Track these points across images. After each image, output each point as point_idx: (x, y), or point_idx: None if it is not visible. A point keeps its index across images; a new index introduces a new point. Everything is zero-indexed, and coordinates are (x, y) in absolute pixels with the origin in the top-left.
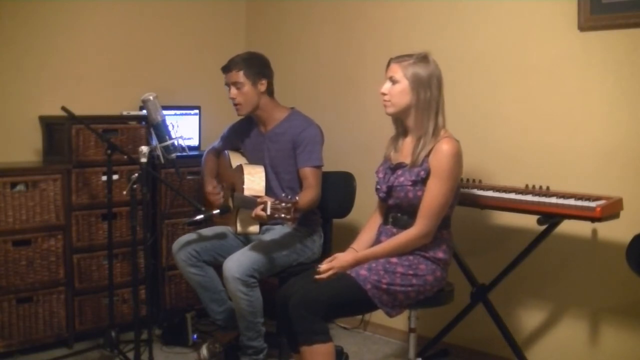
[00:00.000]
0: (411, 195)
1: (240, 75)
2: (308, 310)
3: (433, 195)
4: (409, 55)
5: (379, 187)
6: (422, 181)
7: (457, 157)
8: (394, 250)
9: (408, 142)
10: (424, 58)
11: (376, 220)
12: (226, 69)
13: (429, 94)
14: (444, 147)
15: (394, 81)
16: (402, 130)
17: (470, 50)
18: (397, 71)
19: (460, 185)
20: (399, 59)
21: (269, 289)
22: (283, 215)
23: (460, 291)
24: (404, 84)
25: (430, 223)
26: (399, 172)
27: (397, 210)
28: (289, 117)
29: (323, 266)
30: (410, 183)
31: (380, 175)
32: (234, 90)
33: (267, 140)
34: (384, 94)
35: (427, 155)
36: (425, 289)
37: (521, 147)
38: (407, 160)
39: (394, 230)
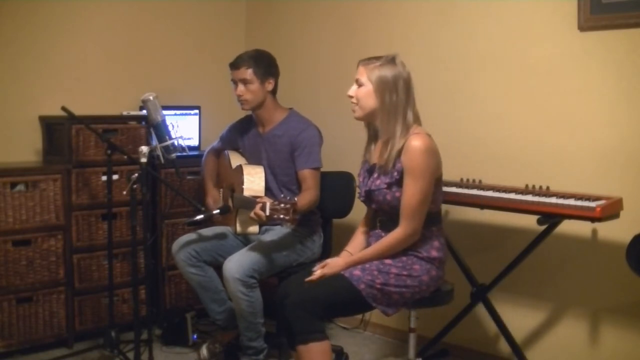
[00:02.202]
0: (389, 197)
1: (249, 73)
2: (304, 310)
3: (410, 194)
4: (377, 58)
5: (359, 191)
6: (397, 182)
7: (429, 152)
8: (384, 252)
9: (380, 145)
10: (391, 60)
11: (367, 224)
12: (234, 66)
13: (394, 97)
14: (414, 144)
15: (359, 84)
16: (373, 133)
17: (470, 50)
18: (363, 74)
19: (441, 179)
20: (366, 61)
21: (269, 289)
22: (282, 216)
23: (460, 291)
24: (368, 87)
25: (414, 222)
26: (375, 175)
27: (382, 213)
28: (287, 119)
29: (316, 273)
30: (385, 186)
31: (360, 179)
32: (241, 88)
33: (265, 142)
34: (350, 97)
35: (399, 155)
36: (421, 289)
37: (521, 147)
38: (380, 162)
39: (383, 234)
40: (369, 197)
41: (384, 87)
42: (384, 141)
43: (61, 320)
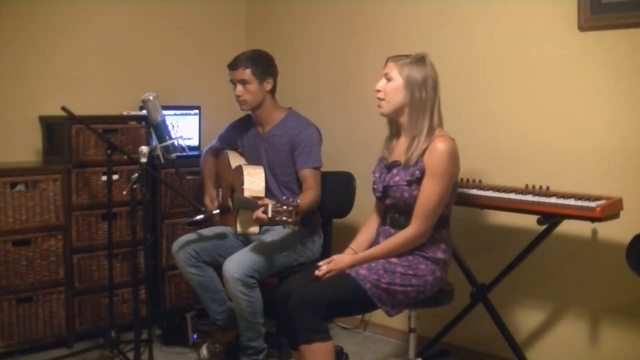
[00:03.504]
0: (407, 195)
1: (247, 73)
2: (308, 310)
3: (428, 195)
4: (407, 56)
5: (375, 186)
6: (417, 181)
7: (453, 156)
8: (392, 251)
9: (402, 142)
10: (421, 59)
11: (374, 220)
12: (233, 66)
13: (424, 94)
14: (439, 146)
15: (388, 79)
16: (395, 131)
17: (470, 50)
18: (392, 69)
19: (457, 184)
20: (396, 57)
21: (269, 289)
22: (284, 219)
23: (460, 291)
24: (398, 82)
25: (426, 223)
26: (394, 171)
27: (394, 210)
28: (286, 119)
29: (322, 268)
30: (405, 183)
31: (377, 174)
32: (240, 88)
33: (265, 142)
34: (378, 91)
35: (422, 155)
36: (425, 289)
37: (521, 147)
38: (402, 159)
39: (392, 231)
40: (385, 193)
41: (414, 84)
42: (411, 137)
43: (61, 320)
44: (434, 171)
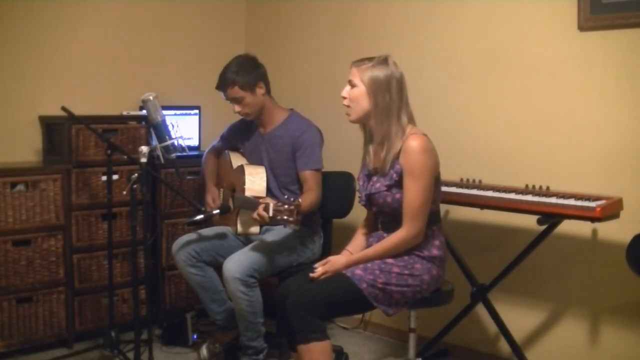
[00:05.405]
0: (390, 199)
1: (236, 91)
2: (305, 310)
3: (412, 195)
4: (369, 59)
5: (359, 195)
6: (396, 184)
7: (427, 152)
8: (387, 252)
9: (375, 146)
10: (383, 61)
11: (369, 222)
12: (220, 88)
13: (387, 97)
14: (412, 144)
15: (352, 85)
16: (369, 136)
17: (470, 50)
18: (355, 75)
19: (439, 179)
20: (358, 62)
21: (269, 289)
22: (285, 217)
23: (460, 291)
24: (361, 88)
25: (418, 222)
26: (374, 178)
27: (382, 215)
28: (288, 120)
29: (317, 270)
30: (385, 188)
31: (360, 182)
32: (236, 106)
33: (266, 142)
34: (343, 98)
35: (397, 157)
36: (422, 289)
37: (521, 147)
38: (379, 165)
39: (385, 235)
40: (369, 201)
41: (376, 88)
42: (378, 142)
43: (61, 320)
44: (412, 170)
